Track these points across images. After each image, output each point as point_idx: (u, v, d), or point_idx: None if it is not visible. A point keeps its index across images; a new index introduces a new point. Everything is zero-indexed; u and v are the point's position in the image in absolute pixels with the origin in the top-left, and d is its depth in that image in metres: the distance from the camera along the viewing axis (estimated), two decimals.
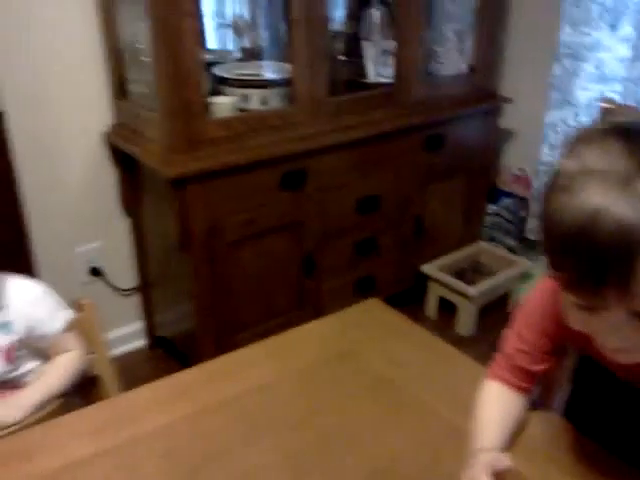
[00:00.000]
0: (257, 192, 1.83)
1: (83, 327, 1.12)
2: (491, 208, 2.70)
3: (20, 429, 0.91)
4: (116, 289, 2.11)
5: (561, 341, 0.85)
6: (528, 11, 2.46)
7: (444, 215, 2.45)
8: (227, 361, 1.02)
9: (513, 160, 2.68)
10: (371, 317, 1.14)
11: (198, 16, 1.59)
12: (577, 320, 0.66)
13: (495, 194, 2.70)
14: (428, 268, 2.41)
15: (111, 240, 2.06)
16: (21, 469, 0.81)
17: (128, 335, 2.16)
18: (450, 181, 2.41)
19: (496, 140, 2.56)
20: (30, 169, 1.82)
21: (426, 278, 2.42)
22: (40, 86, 1.80)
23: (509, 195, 2.68)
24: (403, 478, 0.82)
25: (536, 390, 0.92)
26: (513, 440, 0.84)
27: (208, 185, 1.72)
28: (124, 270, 2.12)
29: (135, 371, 1.63)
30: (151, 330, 2.21)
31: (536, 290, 0.86)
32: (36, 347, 1.05)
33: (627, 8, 2.16)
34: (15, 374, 1.02)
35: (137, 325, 2.20)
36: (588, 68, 2.28)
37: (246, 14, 2.25)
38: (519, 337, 0.87)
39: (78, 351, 1.08)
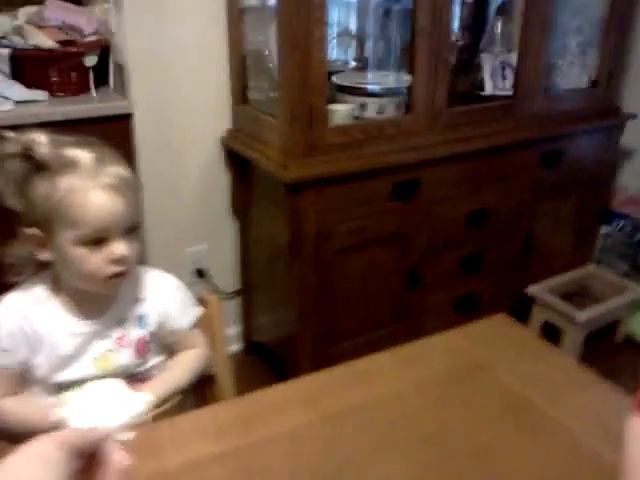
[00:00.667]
0: (368, 201, 1.82)
1: (206, 324, 1.14)
2: (604, 230, 2.57)
3: (141, 423, 0.89)
4: (218, 291, 2.16)
5: None
6: None
7: (554, 234, 2.35)
8: (354, 368, 1.01)
9: (631, 180, 2.54)
10: (500, 332, 1.09)
11: (325, 25, 1.60)
12: None
13: (609, 215, 2.57)
14: (535, 289, 2.31)
15: (218, 243, 2.12)
16: (144, 465, 0.81)
17: (226, 339, 2.20)
18: (563, 199, 2.31)
19: (615, 158, 2.43)
20: (150, 169, 1.90)
21: (530, 300, 2.32)
22: (166, 90, 1.87)
23: (624, 217, 2.54)
24: None
25: None
26: None
27: (322, 191, 1.72)
28: (228, 273, 2.17)
29: None
30: (248, 335, 2.24)
31: None
32: (164, 342, 1.06)
33: None
34: (142, 368, 1.03)
35: (235, 329, 2.24)
36: None
37: (360, 24, 2.27)
38: None
39: (202, 349, 1.09)
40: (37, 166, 0.89)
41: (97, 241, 0.91)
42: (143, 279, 1.04)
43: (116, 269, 0.93)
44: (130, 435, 0.65)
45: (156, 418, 0.93)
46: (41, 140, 0.89)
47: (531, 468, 0.83)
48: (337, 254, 1.82)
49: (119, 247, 0.92)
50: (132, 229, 0.94)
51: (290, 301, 1.88)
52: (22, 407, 0.93)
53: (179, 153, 1.96)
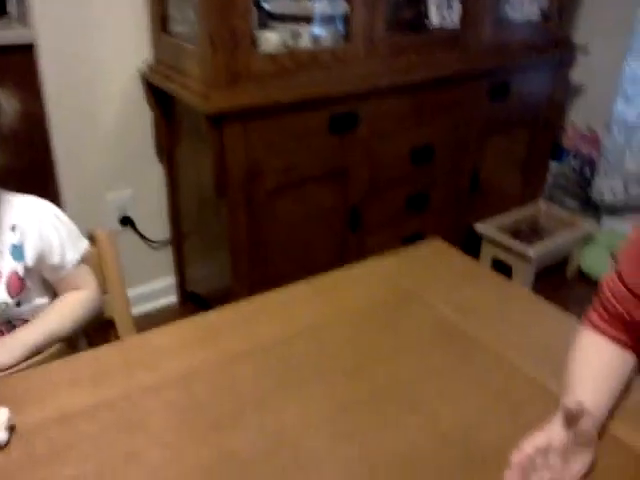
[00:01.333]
0: (302, 135, 1.69)
1: (98, 261, 1.00)
2: (554, 167, 2.50)
3: (9, 374, 0.80)
4: (147, 240, 2.01)
5: None
6: None
7: (503, 171, 2.27)
8: (266, 301, 0.90)
9: (581, 116, 2.46)
10: (434, 257, 1.00)
11: None
12: None
13: (559, 152, 2.50)
14: (483, 227, 2.24)
15: (144, 187, 1.96)
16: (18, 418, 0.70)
17: (158, 290, 2.07)
18: (511, 135, 2.22)
19: (565, 93, 2.34)
20: (61, 107, 1.71)
21: (480, 238, 2.26)
22: (75, 19, 1.68)
23: (574, 153, 2.47)
24: (470, 439, 0.69)
25: None
26: (612, 402, 0.71)
27: (249, 125, 1.58)
28: (157, 221, 2.01)
29: None
30: (183, 285, 2.11)
31: (636, 229, 0.77)
32: (44, 280, 0.93)
33: None
34: (19, 310, 0.89)
35: (168, 280, 2.10)
36: None
37: None
38: (618, 274, 0.77)
39: (90, 290, 0.96)
40: None
41: None
42: (15, 204, 0.90)
43: None
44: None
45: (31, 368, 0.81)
46: None
47: (463, 397, 0.74)
48: (269, 194, 1.69)
49: None
50: None
51: (222, 248, 1.75)
52: None
53: (93, 88, 1.77)
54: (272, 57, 1.63)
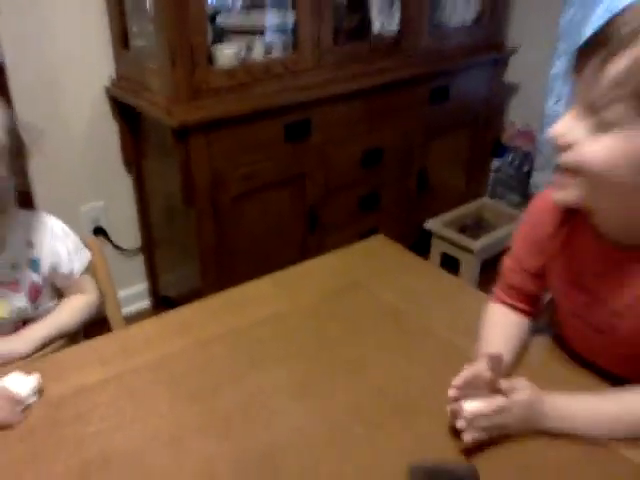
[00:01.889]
0: (260, 144, 1.81)
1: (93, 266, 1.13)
2: (495, 164, 2.68)
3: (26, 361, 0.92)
4: (120, 249, 2.10)
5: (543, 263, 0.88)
6: None
7: (448, 170, 2.43)
8: (232, 295, 1.03)
9: (518, 115, 2.65)
10: (378, 252, 1.14)
11: None
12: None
13: (500, 149, 2.68)
14: (432, 224, 2.40)
15: (115, 199, 2.05)
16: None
17: (132, 296, 2.15)
18: (454, 135, 2.38)
19: (501, 93, 2.53)
20: (31, 123, 1.79)
21: (430, 234, 2.41)
22: (41, 37, 1.76)
23: (514, 150, 2.66)
24: (407, 396, 0.83)
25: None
26: (513, 356, 0.87)
27: (211, 136, 1.70)
28: (128, 230, 2.11)
29: None
30: (155, 290, 2.21)
31: (528, 209, 0.91)
32: (56, 286, 1.07)
33: None
34: (36, 312, 1.03)
35: (141, 286, 2.20)
36: (599, 13, 2.22)
37: None
38: (514, 256, 0.92)
39: (91, 295, 1.10)
40: None
41: None
42: (32, 224, 1.03)
43: None
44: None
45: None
46: None
47: (401, 370, 0.88)
48: (233, 201, 1.81)
49: None
50: None
51: (191, 253, 1.86)
52: None
53: (61, 106, 1.86)
54: (228, 72, 1.75)
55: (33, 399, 0.81)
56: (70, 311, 1.05)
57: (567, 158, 0.71)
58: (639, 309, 0.77)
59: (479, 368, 0.76)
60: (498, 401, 0.74)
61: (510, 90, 2.60)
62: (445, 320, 0.97)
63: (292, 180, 1.91)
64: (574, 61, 0.70)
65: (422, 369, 0.88)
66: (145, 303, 2.22)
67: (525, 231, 0.91)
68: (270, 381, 0.86)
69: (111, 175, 2.01)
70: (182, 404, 0.83)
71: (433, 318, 0.98)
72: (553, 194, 0.76)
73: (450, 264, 2.36)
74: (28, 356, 0.94)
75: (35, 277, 1.02)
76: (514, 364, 0.87)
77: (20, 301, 1.01)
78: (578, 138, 0.69)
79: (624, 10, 0.67)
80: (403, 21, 2.07)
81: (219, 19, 1.87)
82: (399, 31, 2.08)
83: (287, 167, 1.89)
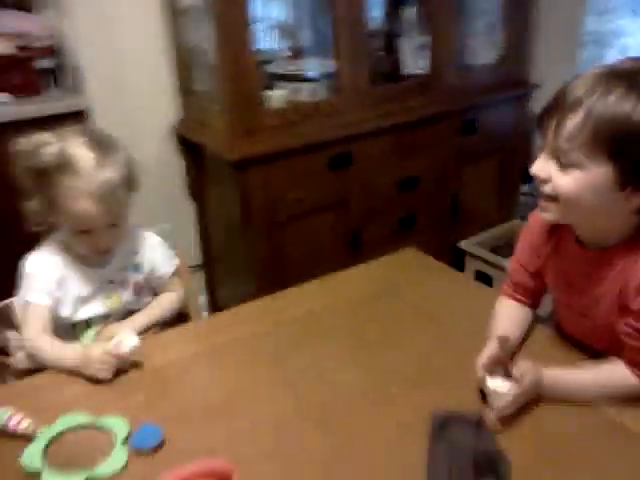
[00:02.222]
0: (308, 173, 2.06)
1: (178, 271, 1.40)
2: (524, 188, 2.86)
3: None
4: None
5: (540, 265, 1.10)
6: (555, 2, 2.63)
7: (479, 195, 2.64)
8: (289, 293, 1.30)
9: None
10: (410, 262, 1.38)
11: (254, 22, 1.83)
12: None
13: (529, 175, 2.86)
14: (465, 244, 2.60)
15: (180, 223, 2.33)
16: (138, 365, 1.09)
17: None
18: (484, 163, 2.59)
19: (526, 124, 2.73)
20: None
21: (464, 253, 2.61)
22: (118, 87, 2.07)
23: None
24: (441, 375, 1.04)
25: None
26: (518, 341, 1.07)
27: (266, 167, 1.96)
28: (191, 249, 2.38)
29: None
30: (214, 303, 2.47)
31: (527, 223, 1.13)
32: (152, 285, 1.33)
33: None
34: (137, 305, 1.29)
35: (201, 299, 2.46)
36: (612, 53, 2.43)
37: (291, 17, 2.49)
38: (517, 259, 1.14)
39: (179, 292, 1.36)
40: (44, 165, 1.12)
41: (85, 230, 1.16)
42: (137, 236, 1.31)
43: (99, 252, 1.21)
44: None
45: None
46: (48, 141, 1.12)
47: (430, 355, 1.09)
48: (284, 223, 2.06)
49: (102, 239, 1.18)
50: (114, 224, 1.18)
51: (247, 268, 2.11)
52: (56, 348, 1.13)
53: (135, 143, 2.09)
54: (279, 112, 2.02)
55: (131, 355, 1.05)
56: (164, 304, 1.31)
57: (546, 189, 0.92)
58: (610, 297, 0.97)
59: (492, 347, 0.97)
60: (517, 389, 0.91)
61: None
62: (462, 312, 1.19)
63: (336, 204, 2.16)
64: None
65: (452, 348, 1.09)
66: (204, 315, 2.47)
67: (525, 239, 1.12)
68: (324, 353, 1.10)
69: (177, 202, 2.30)
70: (258, 371, 1.07)
71: (452, 310, 1.20)
72: (542, 215, 0.97)
73: (483, 280, 2.55)
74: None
75: (138, 277, 1.29)
76: (520, 343, 1.07)
77: (128, 296, 1.27)
78: (551, 174, 0.91)
79: (573, 80, 0.89)
80: (432, 63, 2.32)
81: (270, 67, 2.16)
82: (429, 72, 2.33)
83: (332, 193, 2.14)
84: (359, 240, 2.25)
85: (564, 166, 0.89)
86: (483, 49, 2.53)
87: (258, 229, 2.02)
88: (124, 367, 1.07)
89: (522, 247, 1.13)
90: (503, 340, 0.97)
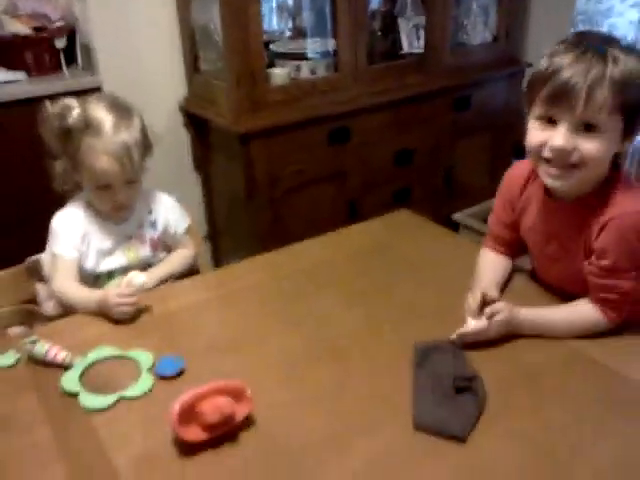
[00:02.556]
0: (308, 147, 2.18)
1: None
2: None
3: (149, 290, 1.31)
4: None
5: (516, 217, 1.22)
6: None
7: (473, 169, 2.76)
8: (293, 248, 1.44)
9: None
10: (403, 221, 1.51)
11: (259, 1, 1.94)
12: (537, 135, 1.03)
13: (521, 151, 2.97)
14: (459, 216, 2.72)
15: (185, 195, 2.43)
16: (158, 309, 1.22)
17: None
18: (477, 137, 2.71)
19: (519, 101, 2.83)
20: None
21: (457, 225, 2.73)
22: (128, 65, 2.19)
23: None
24: (425, 315, 1.17)
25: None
26: (499, 286, 1.20)
27: (268, 140, 2.08)
28: (196, 221, 2.49)
29: None
30: None
31: (502, 181, 1.26)
32: (166, 242, 1.46)
33: None
34: (154, 260, 1.42)
35: (207, 269, 2.58)
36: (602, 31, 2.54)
37: None
38: (495, 214, 1.27)
39: (191, 249, 1.49)
40: (68, 126, 1.25)
41: (105, 186, 1.29)
42: (152, 196, 1.44)
43: (117, 208, 1.34)
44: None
45: None
46: (73, 110, 1.24)
47: (419, 299, 1.22)
48: (285, 193, 2.18)
49: (119, 195, 1.31)
50: (130, 181, 1.31)
51: (251, 239, 2.23)
52: (81, 293, 1.27)
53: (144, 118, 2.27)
54: (281, 88, 2.13)
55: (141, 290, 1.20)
56: (178, 259, 1.44)
57: (573, 159, 1.00)
58: (578, 242, 1.10)
59: (477, 295, 1.09)
60: (479, 324, 1.04)
61: None
62: (449, 264, 1.32)
63: (334, 177, 2.28)
64: (549, 101, 1.00)
65: (436, 292, 1.23)
66: None
67: (501, 195, 1.25)
68: (325, 298, 1.23)
69: (182, 175, 2.42)
70: (266, 314, 1.20)
71: (440, 262, 1.33)
72: (554, 184, 1.05)
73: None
74: (150, 289, 1.32)
75: (154, 234, 1.41)
76: (501, 288, 1.20)
77: (145, 251, 1.40)
78: (576, 143, 0.99)
79: (559, 58, 0.99)
80: (428, 42, 2.43)
81: (272, 46, 2.27)
82: (425, 51, 2.44)
83: (330, 166, 2.26)
84: (356, 211, 2.38)
85: (589, 133, 0.99)
86: (477, 29, 2.63)
87: (261, 200, 2.14)
88: (137, 306, 1.19)
89: (498, 203, 1.26)
90: (484, 295, 1.09)
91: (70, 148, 1.28)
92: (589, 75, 0.96)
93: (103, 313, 1.19)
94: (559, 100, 0.99)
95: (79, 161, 1.27)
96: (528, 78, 1.07)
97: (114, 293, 1.17)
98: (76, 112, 1.26)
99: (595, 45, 1.00)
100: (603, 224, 1.04)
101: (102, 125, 1.26)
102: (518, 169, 1.21)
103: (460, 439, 0.88)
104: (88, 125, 1.25)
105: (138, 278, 1.20)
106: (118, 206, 1.33)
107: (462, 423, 0.89)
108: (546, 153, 1.02)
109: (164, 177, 2.36)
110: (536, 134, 1.03)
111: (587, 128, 0.99)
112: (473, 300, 1.08)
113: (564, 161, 1.01)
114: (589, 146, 0.99)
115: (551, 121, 1.01)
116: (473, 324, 1.06)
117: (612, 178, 1.07)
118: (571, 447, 0.87)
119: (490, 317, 1.05)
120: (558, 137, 1.00)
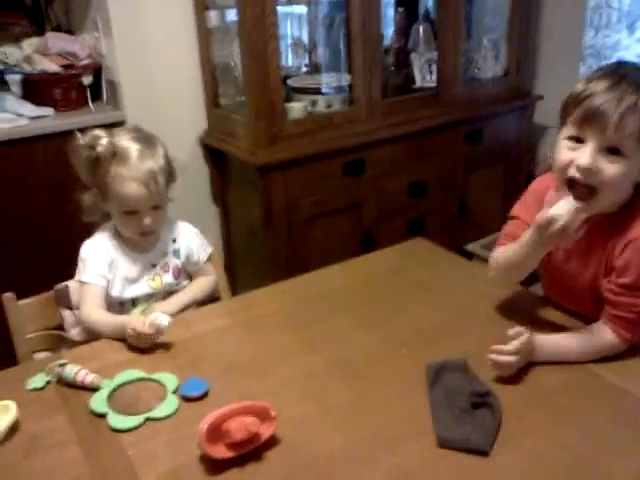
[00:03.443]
0: (324, 178, 2.24)
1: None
2: None
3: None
4: None
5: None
6: (556, 19, 2.81)
7: (485, 200, 2.80)
8: (312, 275, 1.49)
9: (549, 151, 3.00)
10: (418, 248, 1.56)
11: (278, 38, 2.02)
12: (565, 154, 1.06)
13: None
14: (472, 246, 2.75)
15: (204, 225, 2.46)
16: (181, 334, 1.25)
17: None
18: (490, 170, 2.76)
19: (530, 133, 2.89)
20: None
21: (471, 256, 2.76)
22: (152, 100, 2.27)
23: None
24: (438, 338, 1.20)
25: None
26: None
27: (286, 172, 2.14)
28: (214, 251, 2.55)
29: None
30: None
31: (526, 192, 1.29)
32: (188, 270, 1.50)
33: None
34: (176, 287, 1.47)
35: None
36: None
37: (306, 36, 2.69)
38: (516, 214, 1.26)
39: (212, 277, 1.53)
40: (97, 156, 1.32)
41: (132, 212, 1.35)
42: (175, 226, 1.49)
43: (144, 233, 1.38)
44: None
45: None
46: (101, 140, 1.31)
47: (433, 322, 1.25)
48: (303, 224, 2.23)
49: (146, 220, 1.35)
50: (156, 207, 1.36)
51: (268, 267, 2.28)
52: (104, 318, 1.31)
53: None
54: (298, 121, 2.20)
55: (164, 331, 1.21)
56: (199, 287, 1.48)
57: (594, 180, 1.04)
58: (597, 260, 1.12)
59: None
60: (514, 344, 1.05)
61: (540, 130, 2.96)
62: (462, 288, 1.36)
63: (350, 207, 2.33)
64: (580, 123, 1.04)
65: (450, 316, 1.26)
66: None
67: (527, 198, 1.26)
68: (343, 322, 1.27)
69: (202, 206, 2.48)
70: (285, 337, 1.24)
71: (453, 286, 1.38)
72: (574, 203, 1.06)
73: None
74: (173, 315, 1.35)
75: (177, 262, 1.46)
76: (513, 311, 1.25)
77: (168, 278, 1.45)
78: (600, 166, 1.03)
79: (590, 86, 1.04)
80: (440, 76, 2.50)
81: (289, 81, 2.35)
82: (437, 85, 2.51)
83: (346, 197, 2.31)
84: (372, 241, 2.42)
85: (614, 156, 1.03)
86: (488, 63, 2.70)
87: (278, 230, 2.19)
88: (154, 342, 1.22)
89: (524, 203, 1.26)
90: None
91: (99, 176, 1.34)
92: (622, 103, 1.01)
93: (122, 336, 1.24)
94: (590, 122, 1.03)
95: (107, 188, 1.34)
96: (562, 101, 1.11)
97: (133, 327, 1.19)
98: (105, 141, 1.32)
99: (631, 75, 1.05)
100: (626, 243, 1.08)
101: (129, 153, 1.32)
102: (543, 182, 1.24)
103: (484, 452, 0.90)
104: (115, 153, 1.32)
105: (163, 321, 1.20)
106: (145, 231, 1.37)
107: (484, 436, 0.91)
108: (571, 172, 1.06)
109: (184, 207, 2.42)
110: (564, 153, 1.07)
111: (612, 151, 1.04)
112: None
113: (586, 181, 1.04)
114: (612, 169, 1.04)
115: (579, 140, 1.06)
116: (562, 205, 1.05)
117: (636, 199, 1.11)
118: (587, 467, 0.89)
119: (516, 336, 1.07)
120: (585, 156, 1.04)
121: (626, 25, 2.55)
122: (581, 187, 1.05)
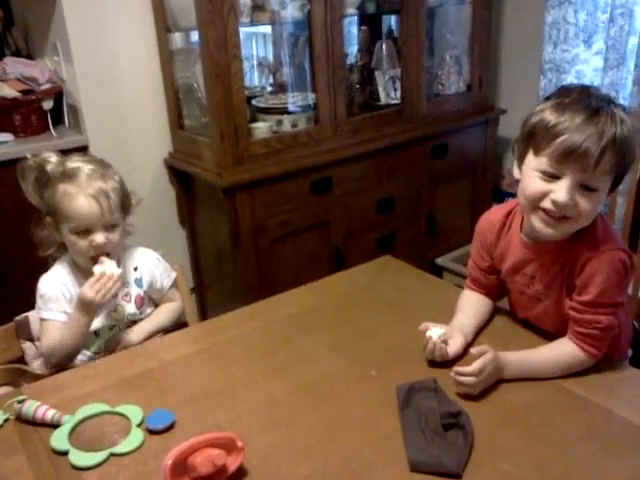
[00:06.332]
0: (292, 198, 2.23)
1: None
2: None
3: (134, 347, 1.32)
4: None
5: (492, 262, 1.26)
6: (516, 35, 2.87)
7: (453, 214, 2.82)
8: (280, 297, 1.47)
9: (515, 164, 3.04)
10: (386, 266, 1.54)
11: (240, 59, 2.01)
12: (538, 185, 1.05)
13: (500, 195, 3.06)
14: (442, 260, 2.76)
15: (171, 249, 2.46)
16: (147, 363, 1.23)
17: None
18: (456, 183, 2.78)
19: (494, 147, 2.93)
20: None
21: (441, 270, 2.77)
22: (114, 124, 2.24)
23: (512, 195, 3.02)
24: (409, 357, 1.19)
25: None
26: (477, 326, 1.24)
27: (252, 192, 2.12)
28: (182, 274, 2.51)
29: None
30: None
31: (478, 225, 1.30)
32: (153, 297, 1.47)
33: (597, 27, 2.54)
34: (140, 316, 1.43)
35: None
36: (569, 79, 2.65)
37: (271, 55, 2.70)
38: (472, 258, 1.31)
39: (178, 302, 1.51)
40: (47, 176, 1.27)
41: (84, 232, 1.29)
42: (137, 253, 1.45)
43: (95, 253, 1.32)
44: None
45: None
46: (51, 158, 1.28)
47: (403, 341, 1.24)
48: (271, 243, 2.22)
49: (98, 237, 1.30)
50: (111, 226, 1.32)
51: (238, 288, 2.25)
52: (63, 326, 1.30)
53: (130, 176, 2.29)
54: (264, 141, 2.19)
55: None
56: (164, 313, 1.45)
57: (570, 213, 1.04)
58: (560, 280, 1.13)
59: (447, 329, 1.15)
60: (475, 365, 1.04)
61: (505, 143, 3.00)
62: (431, 306, 1.36)
63: (319, 225, 2.32)
64: (560, 159, 1.02)
65: (416, 336, 1.24)
66: None
67: (477, 240, 1.29)
68: (311, 344, 1.25)
69: (168, 230, 2.45)
70: (254, 362, 1.21)
71: (423, 305, 1.37)
72: (545, 230, 1.08)
73: None
74: (138, 344, 1.33)
75: (139, 291, 1.42)
76: (480, 327, 1.24)
77: (131, 308, 1.41)
78: (576, 200, 1.03)
79: (558, 122, 1.02)
80: (404, 93, 2.52)
81: (254, 102, 2.34)
82: (401, 101, 2.53)
83: (314, 215, 2.30)
84: (342, 259, 2.41)
85: (588, 192, 1.03)
86: (452, 79, 2.74)
87: (247, 251, 2.17)
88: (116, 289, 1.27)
89: (475, 248, 1.30)
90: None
91: (48, 197, 1.30)
92: (603, 138, 1.00)
93: (92, 316, 1.27)
94: (570, 161, 1.02)
95: (57, 209, 1.29)
96: (525, 125, 1.10)
97: (87, 288, 1.21)
98: (54, 159, 1.29)
99: (602, 105, 1.03)
100: (585, 261, 1.09)
101: (78, 171, 1.29)
102: (489, 219, 1.27)
103: (456, 475, 0.89)
104: (65, 172, 1.29)
105: (110, 269, 1.24)
106: (98, 252, 1.31)
107: (456, 458, 0.90)
108: (546, 204, 1.05)
109: (151, 231, 2.39)
110: (537, 184, 1.05)
111: (587, 188, 1.04)
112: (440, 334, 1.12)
113: (560, 214, 1.05)
114: (586, 204, 1.04)
115: (553, 176, 1.04)
116: (436, 332, 1.11)
117: (593, 220, 1.12)
118: None
119: (479, 355, 1.06)
120: (562, 193, 1.03)
121: (583, 40, 2.60)
122: (555, 215, 1.06)
